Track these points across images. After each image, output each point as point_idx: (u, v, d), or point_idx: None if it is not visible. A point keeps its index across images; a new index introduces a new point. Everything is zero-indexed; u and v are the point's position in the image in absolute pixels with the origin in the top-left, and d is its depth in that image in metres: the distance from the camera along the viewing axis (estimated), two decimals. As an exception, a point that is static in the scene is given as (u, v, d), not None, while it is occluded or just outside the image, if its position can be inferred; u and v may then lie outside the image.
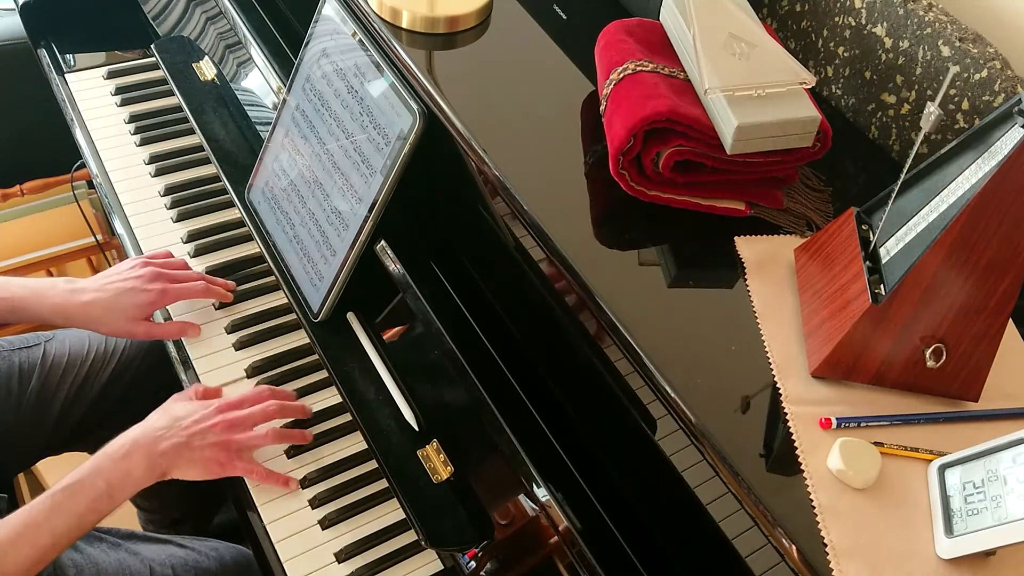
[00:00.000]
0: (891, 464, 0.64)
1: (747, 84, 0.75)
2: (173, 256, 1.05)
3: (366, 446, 0.93)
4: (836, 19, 0.94)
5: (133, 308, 0.97)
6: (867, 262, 0.67)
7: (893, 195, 0.69)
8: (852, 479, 0.62)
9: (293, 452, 0.93)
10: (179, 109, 1.22)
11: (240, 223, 1.12)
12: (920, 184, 0.67)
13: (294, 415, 0.93)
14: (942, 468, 0.63)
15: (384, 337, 0.95)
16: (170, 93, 1.25)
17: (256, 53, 1.15)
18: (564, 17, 0.99)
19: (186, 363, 1.00)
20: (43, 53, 1.31)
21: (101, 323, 0.98)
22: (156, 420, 0.87)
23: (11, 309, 0.97)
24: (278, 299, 1.06)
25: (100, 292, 0.97)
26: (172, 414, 0.87)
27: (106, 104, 1.26)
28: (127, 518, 1.44)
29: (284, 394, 0.94)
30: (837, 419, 0.65)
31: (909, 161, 0.64)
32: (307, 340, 1.01)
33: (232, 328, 1.03)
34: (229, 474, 0.87)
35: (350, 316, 0.97)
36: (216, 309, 1.04)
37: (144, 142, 1.21)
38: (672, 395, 0.66)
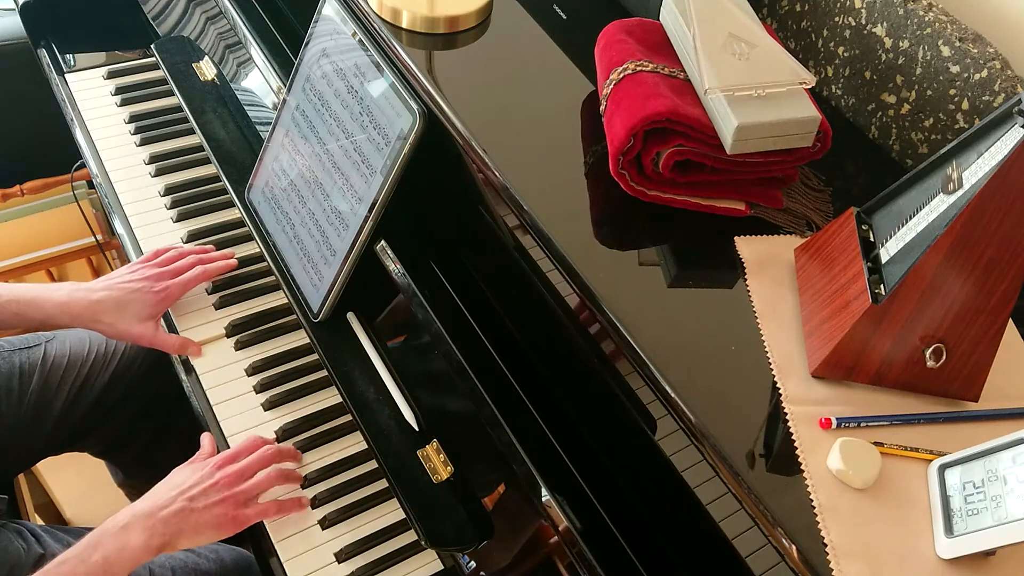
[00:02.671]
0: (891, 464, 0.64)
1: (747, 84, 0.75)
2: (165, 249, 1.05)
3: (366, 446, 0.93)
4: (836, 19, 0.94)
5: (144, 308, 0.98)
6: (867, 262, 0.67)
7: (893, 195, 0.69)
8: (852, 479, 0.62)
9: (293, 452, 0.93)
10: (179, 109, 1.22)
11: (240, 223, 1.12)
12: (920, 184, 0.67)
13: (290, 459, 0.91)
14: (942, 468, 0.63)
15: (384, 337, 0.95)
16: (170, 93, 1.25)
17: (256, 53, 1.15)
18: (564, 17, 0.99)
19: (186, 364, 1.00)
20: (43, 53, 1.31)
21: (109, 323, 0.97)
22: (156, 491, 0.85)
23: (17, 311, 0.96)
24: (278, 299, 1.06)
25: (110, 291, 0.97)
26: (171, 483, 0.86)
27: (106, 104, 1.26)
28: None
29: (271, 441, 0.92)
30: (837, 419, 0.65)
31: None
32: (307, 340, 1.01)
33: (232, 328, 1.03)
34: (244, 526, 0.85)
35: (350, 316, 0.97)
36: (216, 309, 1.04)
37: (144, 142, 1.21)
38: (672, 395, 0.66)
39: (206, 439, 0.92)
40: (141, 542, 0.80)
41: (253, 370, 0.99)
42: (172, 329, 1.02)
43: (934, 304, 0.64)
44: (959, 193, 0.61)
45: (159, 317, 1.00)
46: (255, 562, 0.90)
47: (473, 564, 0.82)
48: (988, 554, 0.59)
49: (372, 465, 0.93)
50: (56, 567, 0.79)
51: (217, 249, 1.10)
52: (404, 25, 0.92)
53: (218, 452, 0.92)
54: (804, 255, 0.76)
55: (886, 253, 0.67)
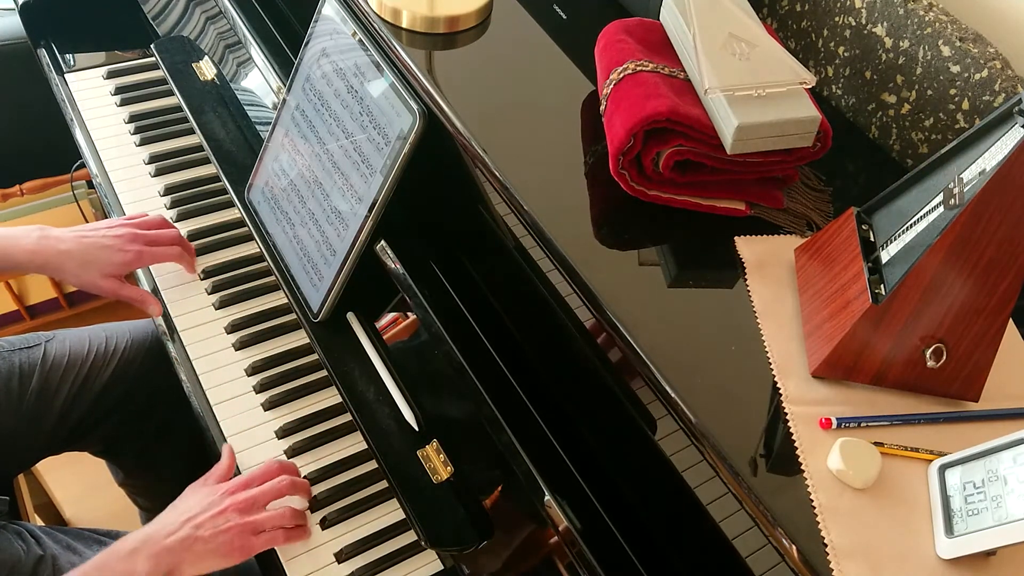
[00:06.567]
0: (891, 464, 0.64)
1: (747, 84, 0.75)
2: (149, 216, 1.06)
3: (366, 446, 0.93)
4: (836, 19, 0.94)
5: (108, 265, 0.99)
6: (867, 262, 0.67)
7: (893, 195, 0.69)
8: (852, 479, 0.62)
9: (293, 453, 0.93)
10: (179, 109, 1.22)
11: (240, 223, 1.12)
12: (920, 184, 0.67)
13: (303, 492, 0.90)
14: (942, 468, 0.63)
15: (384, 337, 0.95)
16: (170, 93, 1.25)
17: (256, 53, 1.15)
18: (564, 17, 0.99)
19: (186, 364, 1.00)
20: (43, 53, 1.31)
21: (74, 273, 0.99)
22: (165, 516, 0.84)
23: None
24: (278, 299, 1.06)
25: (78, 244, 0.99)
26: (180, 508, 0.85)
27: (106, 104, 1.26)
28: (129, 519, 1.44)
29: (292, 467, 0.91)
30: (837, 419, 0.65)
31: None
32: (307, 340, 1.01)
33: (232, 328, 1.03)
34: (250, 555, 0.84)
35: (350, 316, 0.97)
36: (216, 309, 1.04)
37: (144, 142, 1.21)
38: (672, 395, 0.66)
39: (226, 452, 0.92)
40: (147, 569, 0.80)
41: (253, 370, 0.99)
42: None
43: (934, 304, 0.64)
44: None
45: (123, 275, 1.01)
46: (255, 562, 0.90)
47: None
48: (988, 554, 0.59)
49: (372, 465, 0.93)
50: None
51: (216, 249, 1.10)
52: (404, 25, 0.92)
53: (218, 453, 0.92)
54: (804, 255, 0.76)
55: (886, 253, 0.67)
